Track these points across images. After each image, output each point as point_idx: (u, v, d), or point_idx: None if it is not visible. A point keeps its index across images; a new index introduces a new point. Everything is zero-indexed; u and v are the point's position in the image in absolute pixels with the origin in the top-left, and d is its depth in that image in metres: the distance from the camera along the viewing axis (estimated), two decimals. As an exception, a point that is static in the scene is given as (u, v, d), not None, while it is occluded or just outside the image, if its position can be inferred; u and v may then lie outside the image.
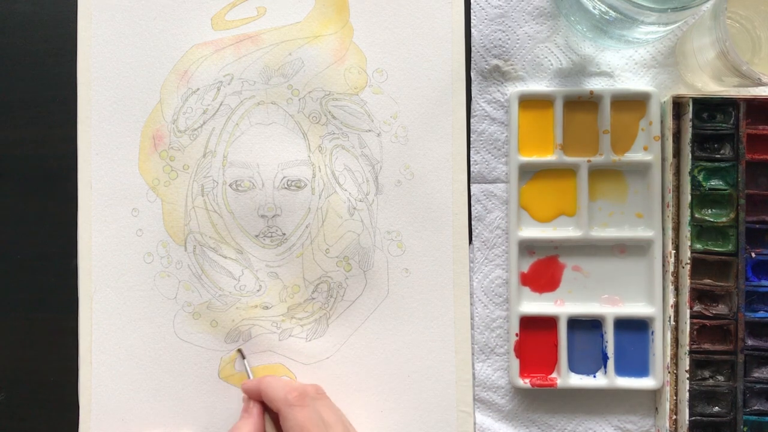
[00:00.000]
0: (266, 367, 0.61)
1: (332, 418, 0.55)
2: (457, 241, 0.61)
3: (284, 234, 0.61)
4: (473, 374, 0.61)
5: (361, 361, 0.61)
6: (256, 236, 0.62)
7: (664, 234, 0.59)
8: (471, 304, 0.61)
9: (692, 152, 0.57)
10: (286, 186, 0.61)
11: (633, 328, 0.59)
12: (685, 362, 0.57)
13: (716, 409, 0.57)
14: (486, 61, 0.61)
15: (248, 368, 0.61)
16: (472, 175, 0.61)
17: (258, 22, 0.62)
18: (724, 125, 0.58)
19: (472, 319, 0.61)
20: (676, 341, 0.59)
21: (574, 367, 0.60)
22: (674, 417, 0.58)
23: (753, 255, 0.58)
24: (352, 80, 0.61)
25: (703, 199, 0.58)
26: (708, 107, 0.58)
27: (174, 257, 0.62)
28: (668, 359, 0.58)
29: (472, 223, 0.61)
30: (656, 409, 0.60)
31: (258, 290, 0.62)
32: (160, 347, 0.62)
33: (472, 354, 0.61)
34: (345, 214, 0.61)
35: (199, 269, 0.62)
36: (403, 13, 0.62)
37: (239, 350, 0.61)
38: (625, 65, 0.60)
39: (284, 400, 0.54)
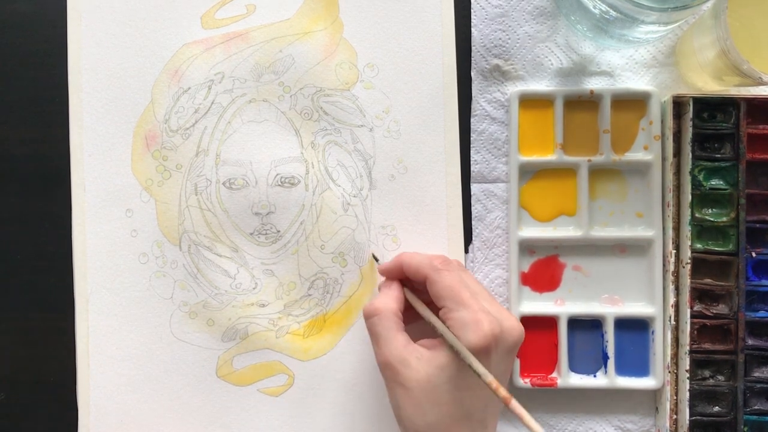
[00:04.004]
0: (263, 364, 0.61)
1: (478, 287, 0.54)
2: (452, 234, 0.61)
3: (279, 231, 0.61)
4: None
5: (358, 356, 0.61)
6: (251, 234, 0.61)
7: (664, 233, 0.59)
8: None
9: (693, 152, 0.57)
10: (279, 183, 0.61)
11: (633, 327, 0.59)
12: (686, 362, 0.57)
13: (716, 408, 0.57)
14: (486, 60, 0.61)
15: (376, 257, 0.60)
16: (472, 174, 0.61)
17: (247, 19, 0.62)
18: (724, 125, 0.58)
19: (471, 318, 0.61)
20: (676, 341, 0.58)
21: (574, 367, 0.60)
22: (674, 417, 0.58)
23: (753, 254, 0.57)
24: (343, 76, 0.61)
25: (703, 198, 0.58)
26: (708, 107, 0.58)
27: (169, 257, 0.62)
28: (668, 359, 0.58)
29: (472, 222, 0.61)
30: (656, 408, 0.60)
31: (254, 288, 0.61)
32: (157, 347, 0.62)
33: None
34: (339, 209, 0.61)
35: (195, 268, 0.62)
36: (393, 8, 0.61)
37: (373, 255, 0.61)
38: (626, 65, 0.60)
39: (430, 265, 0.53)
